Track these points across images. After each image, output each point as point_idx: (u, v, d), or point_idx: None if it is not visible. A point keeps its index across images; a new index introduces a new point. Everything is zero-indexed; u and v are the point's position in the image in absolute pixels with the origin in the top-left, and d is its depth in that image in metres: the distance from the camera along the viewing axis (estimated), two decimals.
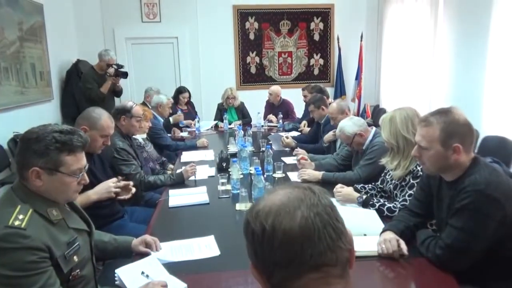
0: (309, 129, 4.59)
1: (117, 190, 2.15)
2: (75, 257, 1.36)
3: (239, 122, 5.18)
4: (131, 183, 2.30)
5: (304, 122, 4.73)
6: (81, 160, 1.42)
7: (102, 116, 2.23)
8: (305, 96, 5.02)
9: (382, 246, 1.61)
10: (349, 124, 2.67)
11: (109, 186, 2.12)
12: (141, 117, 2.93)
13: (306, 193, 0.73)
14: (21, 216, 1.25)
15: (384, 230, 1.70)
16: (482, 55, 3.83)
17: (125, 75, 4.74)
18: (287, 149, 3.70)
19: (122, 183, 2.21)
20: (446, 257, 1.49)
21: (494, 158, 2.93)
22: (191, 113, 5.39)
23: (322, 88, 4.82)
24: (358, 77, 6.36)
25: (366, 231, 1.81)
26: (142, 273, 1.55)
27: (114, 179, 2.19)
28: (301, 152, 3.24)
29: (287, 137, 3.80)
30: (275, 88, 5.40)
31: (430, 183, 1.73)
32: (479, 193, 1.43)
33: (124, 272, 1.54)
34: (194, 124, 4.98)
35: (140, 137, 3.38)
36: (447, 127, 1.51)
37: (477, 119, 3.63)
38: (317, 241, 0.68)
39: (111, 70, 4.64)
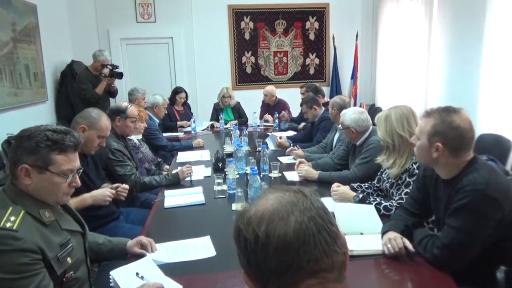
0: (303, 124, 4.60)
1: (110, 199, 2.17)
2: (68, 259, 1.35)
3: (235, 122, 5.17)
4: (127, 187, 2.31)
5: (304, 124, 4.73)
6: (73, 161, 1.39)
7: (102, 117, 2.27)
8: (303, 94, 5.02)
9: (388, 246, 1.59)
10: (351, 116, 2.66)
11: (105, 195, 2.14)
12: (136, 118, 2.92)
13: (298, 196, 0.72)
14: (12, 218, 1.23)
15: (385, 231, 1.69)
16: (477, 53, 3.84)
17: (120, 75, 4.70)
18: (280, 149, 3.70)
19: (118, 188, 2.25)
20: (443, 257, 1.48)
21: (490, 156, 2.94)
22: (187, 114, 5.37)
23: (317, 87, 4.82)
24: (353, 76, 6.37)
25: (363, 229, 1.81)
26: (137, 274, 1.53)
27: (112, 190, 2.20)
28: (296, 152, 3.24)
29: (280, 137, 3.81)
30: (269, 88, 5.38)
31: (426, 182, 1.72)
32: (479, 193, 1.42)
33: (119, 274, 1.52)
34: (190, 125, 4.96)
35: (135, 137, 3.36)
36: (438, 124, 1.51)
37: (473, 117, 3.55)
38: (313, 246, 0.67)
39: (106, 71, 4.60)
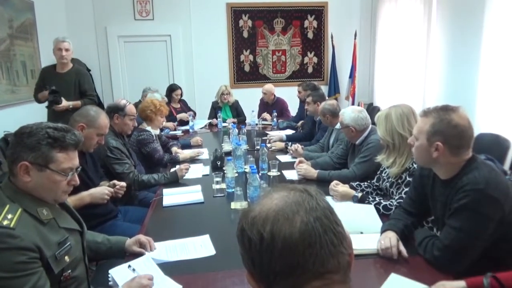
0: (301, 122, 4.58)
1: (108, 197, 2.17)
2: (66, 257, 1.33)
3: (234, 120, 5.15)
4: (124, 184, 2.30)
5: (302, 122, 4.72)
6: (73, 160, 1.39)
7: (101, 115, 2.26)
8: (299, 92, 5.02)
9: (381, 242, 1.60)
10: (350, 115, 2.66)
11: (103, 193, 2.13)
12: (134, 116, 2.90)
13: (304, 196, 0.70)
14: (9, 216, 1.22)
15: (384, 230, 1.69)
16: (475, 53, 3.84)
17: (52, 93, 3.63)
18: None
19: (115, 185, 2.25)
20: (444, 258, 1.47)
21: (488, 155, 2.94)
22: (184, 111, 5.35)
23: (315, 85, 4.81)
24: (352, 75, 6.37)
25: (363, 228, 1.80)
26: (129, 266, 1.54)
27: (110, 189, 2.19)
28: (297, 150, 3.23)
29: (273, 140, 3.81)
30: (268, 86, 5.37)
31: (423, 182, 1.72)
32: (479, 192, 1.41)
33: (117, 273, 1.52)
34: (187, 122, 4.94)
35: (154, 131, 3.34)
36: (437, 123, 1.50)
37: (471, 117, 3.56)
38: (319, 248, 0.66)
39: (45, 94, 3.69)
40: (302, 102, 5.22)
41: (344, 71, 6.55)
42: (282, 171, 2.89)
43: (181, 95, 5.43)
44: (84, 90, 3.82)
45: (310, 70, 6.72)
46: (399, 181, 2.09)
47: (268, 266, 0.67)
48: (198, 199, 2.36)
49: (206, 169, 3.02)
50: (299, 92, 5.02)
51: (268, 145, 3.72)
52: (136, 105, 3.54)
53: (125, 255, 1.70)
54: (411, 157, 2.01)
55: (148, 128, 3.30)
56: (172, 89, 5.30)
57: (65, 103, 3.65)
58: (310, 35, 6.60)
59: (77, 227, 1.48)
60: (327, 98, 4.48)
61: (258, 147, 3.48)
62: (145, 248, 1.70)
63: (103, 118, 2.27)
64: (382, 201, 2.07)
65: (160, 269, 1.56)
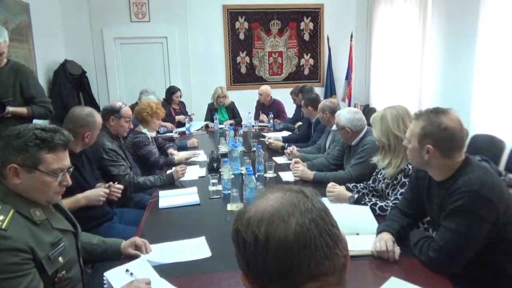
0: (298, 124, 4.58)
1: (104, 199, 2.17)
2: (60, 258, 1.33)
3: (232, 121, 5.15)
4: (120, 186, 2.29)
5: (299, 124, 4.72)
6: (63, 160, 1.38)
7: (95, 116, 2.29)
8: (294, 100, 5.03)
9: (376, 244, 1.60)
10: (346, 116, 2.67)
11: (99, 194, 2.13)
12: (130, 118, 2.89)
13: (299, 197, 0.70)
14: (1, 217, 1.22)
15: (380, 231, 1.69)
16: (470, 54, 3.86)
17: None
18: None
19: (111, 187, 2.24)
20: (439, 259, 1.48)
21: (483, 156, 2.96)
22: (182, 113, 5.36)
23: (307, 88, 4.77)
24: (348, 76, 6.38)
25: (359, 229, 1.81)
26: (127, 271, 1.53)
27: (106, 190, 2.18)
28: (293, 152, 3.24)
29: (270, 140, 3.81)
30: (265, 87, 5.38)
31: (419, 184, 1.72)
32: (474, 194, 1.42)
33: (113, 275, 1.51)
34: (185, 124, 4.93)
35: (149, 134, 3.32)
36: (427, 126, 1.51)
37: (466, 118, 3.65)
38: (314, 250, 0.65)
39: None
40: (298, 107, 5.23)
41: (340, 72, 6.56)
42: (279, 173, 2.89)
43: (181, 96, 5.44)
44: (31, 97, 2.81)
45: (306, 72, 6.73)
46: (395, 182, 2.10)
47: (262, 267, 0.66)
48: (194, 201, 2.36)
49: (202, 171, 3.02)
50: (293, 100, 5.03)
51: (267, 141, 3.79)
52: (133, 107, 3.53)
53: (120, 257, 1.70)
54: (407, 158, 2.02)
55: (144, 130, 3.30)
56: (172, 91, 5.30)
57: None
58: (306, 37, 6.61)
59: (71, 228, 1.48)
60: (322, 99, 4.49)
61: (254, 148, 3.48)
62: (141, 250, 1.69)
63: (98, 116, 2.31)
64: (378, 202, 2.07)
65: (156, 271, 1.55)
